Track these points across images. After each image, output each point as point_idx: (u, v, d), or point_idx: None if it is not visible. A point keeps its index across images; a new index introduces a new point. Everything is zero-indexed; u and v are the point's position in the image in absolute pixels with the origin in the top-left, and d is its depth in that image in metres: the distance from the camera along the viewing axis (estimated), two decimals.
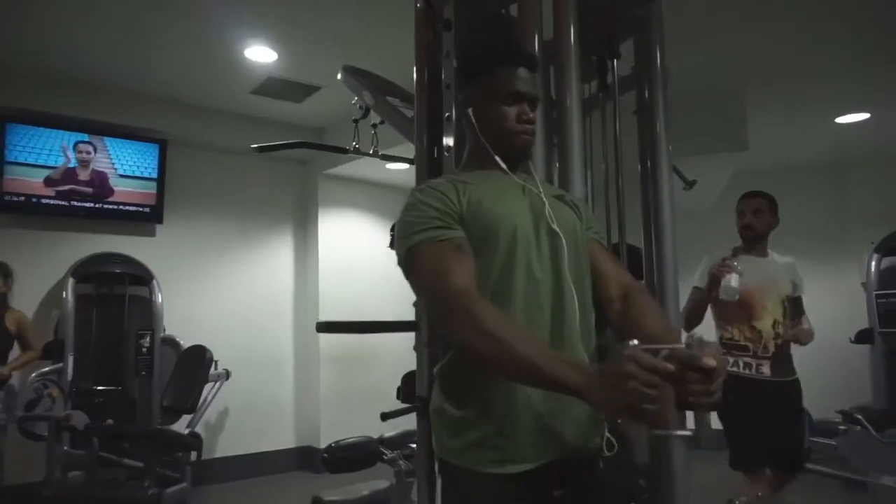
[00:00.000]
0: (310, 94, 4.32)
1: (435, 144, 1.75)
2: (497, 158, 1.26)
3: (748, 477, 2.75)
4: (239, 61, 3.76)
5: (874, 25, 3.14)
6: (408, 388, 1.82)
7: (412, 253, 1.15)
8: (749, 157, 4.00)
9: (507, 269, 1.15)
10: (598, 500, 1.21)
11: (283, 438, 4.99)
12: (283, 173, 5.15)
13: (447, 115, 1.67)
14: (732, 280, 2.65)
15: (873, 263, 4.72)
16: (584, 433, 1.15)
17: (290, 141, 2.80)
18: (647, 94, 2.05)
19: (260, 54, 3.67)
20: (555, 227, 1.20)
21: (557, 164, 1.71)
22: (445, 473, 1.17)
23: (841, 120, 4.33)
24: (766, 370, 2.71)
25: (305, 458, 4.98)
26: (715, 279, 2.66)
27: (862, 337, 4.67)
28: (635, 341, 0.93)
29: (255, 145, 2.70)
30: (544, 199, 1.23)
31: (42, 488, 3.48)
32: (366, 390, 4.68)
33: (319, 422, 4.94)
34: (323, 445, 4.97)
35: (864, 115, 4.24)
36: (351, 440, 2.48)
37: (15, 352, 3.83)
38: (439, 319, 1.12)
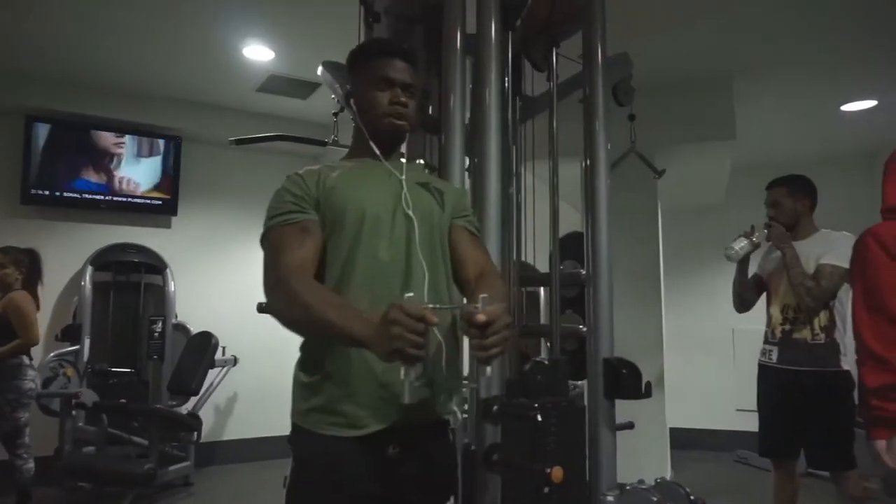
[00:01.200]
0: (314, 91, 4.46)
1: None
2: (371, 144, 1.36)
3: (773, 465, 2.73)
4: (239, 60, 3.93)
5: (874, 5, 3.01)
6: None
7: (265, 235, 1.28)
8: (748, 148, 3.92)
9: (352, 250, 1.25)
10: (445, 467, 1.27)
11: (287, 424, 5.15)
12: (295, 167, 5.26)
13: None
14: (739, 243, 2.69)
15: None
16: (429, 402, 1.22)
17: (266, 134, 2.91)
18: (588, 83, 2.08)
19: (258, 53, 3.83)
20: (409, 211, 1.28)
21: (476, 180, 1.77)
22: (294, 435, 1.26)
23: (847, 108, 4.15)
24: (774, 356, 2.65)
25: None
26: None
27: None
28: (412, 294, 1.02)
29: (232, 138, 2.83)
30: (404, 184, 1.32)
31: (54, 461, 3.74)
32: None
33: None
34: None
35: (872, 102, 4.05)
36: None
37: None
38: (265, 292, 1.22)
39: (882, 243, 1.68)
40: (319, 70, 2.79)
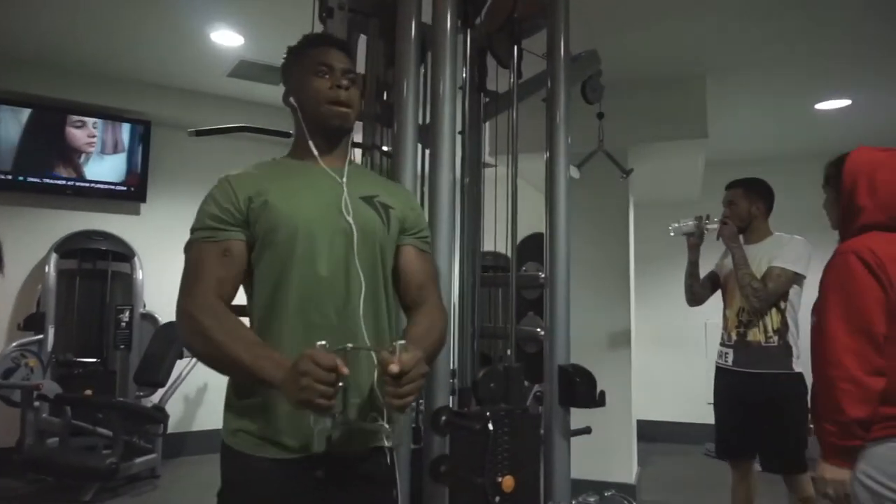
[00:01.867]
0: None
1: None
2: (310, 143, 1.29)
3: (730, 465, 2.76)
4: (208, 45, 3.83)
5: (850, 6, 2.98)
6: None
7: (186, 248, 1.22)
8: (720, 144, 3.90)
9: (284, 271, 1.18)
10: (379, 485, 1.23)
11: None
12: (269, 155, 5.18)
13: None
14: (684, 222, 2.75)
15: None
16: (358, 435, 1.18)
17: (228, 125, 2.83)
18: (550, 81, 2.03)
19: (226, 38, 3.73)
20: (349, 218, 1.22)
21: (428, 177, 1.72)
22: (223, 455, 1.22)
23: (821, 106, 4.15)
24: (730, 359, 2.66)
25: None
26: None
27: None
28: (324, 342, 1.00)
29: (192, 130, 2.75)
30: (345, 190, 1.25)
31: (15, 452, 3.68)
32: None
33: None
34: None
35: (846, 102, 4.06)
36: None
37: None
38: (177, 321, 1.17)
39: (865, 261, 1.54)
40: (283, 59, 2.73)
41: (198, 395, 4.85)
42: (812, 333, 1.70)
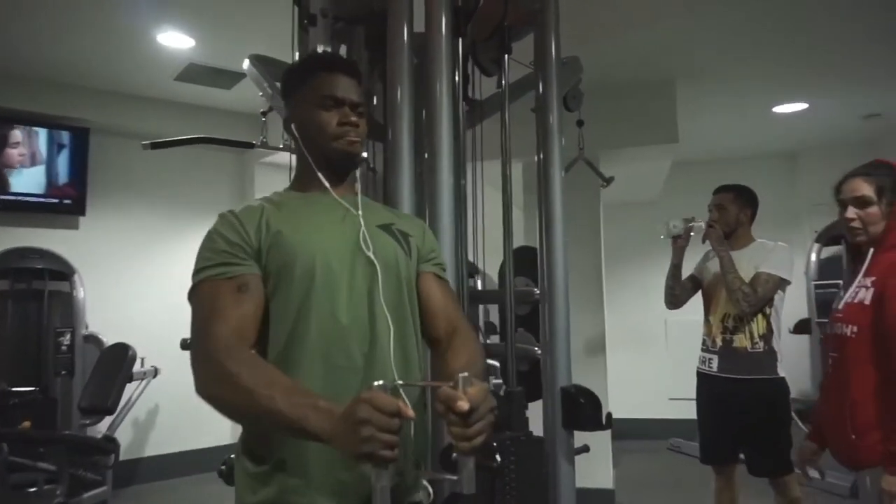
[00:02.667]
0: (239, 81, 4.14)
1: None
2: (319, 175, 1.18)
3: (714, 470, 2.75)
4: (154, 47, 3.58)
5: (810, 15, 3.05)
6: None
7: (193, 290, 1.07)
8: (687, 146, 3.94)
9: (303, 309, 1.05)
10: None
11: (219, 434, 4.84)
12: (217, 162, 4.96)
13: None
14: (674, 223, 2.67)
15: (813, 253, 4.71)
16: (397, 486, 1.05)
17: (186, 137, 2.63)
18: (541, 90, 1.95)
19: (175, 40, 3.49)
20: (370, 254, 1.10)
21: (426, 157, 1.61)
22: None
23: (779, 110, 4.28)
24: (714, 365, 2.65)
25: None
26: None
27: (800, 327, 4.68)
28: (381, 382, 0.86)
29: (146, 142, 2.53)
30: (361, 222, 1.14)
31: None
32: None
33: None
34: None
35: (803, 105, 4.19)
36: None
37: None
38: (193, 366, 1.01)
39: None
40: (246, 64, 2.53)
41: (149, 417, 4.56)
42: (862, 342, 1.69)
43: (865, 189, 1.74)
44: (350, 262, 1.10)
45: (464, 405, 0.85)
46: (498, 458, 1.55)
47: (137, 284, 4.56)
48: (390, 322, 1.08)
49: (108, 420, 3.94)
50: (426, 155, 1.61)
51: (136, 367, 3.98)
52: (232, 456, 2.26)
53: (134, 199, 4.62)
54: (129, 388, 3.96)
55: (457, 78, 1.89)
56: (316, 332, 1.04)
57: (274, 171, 5.02)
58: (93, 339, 4.16)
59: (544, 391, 1.85)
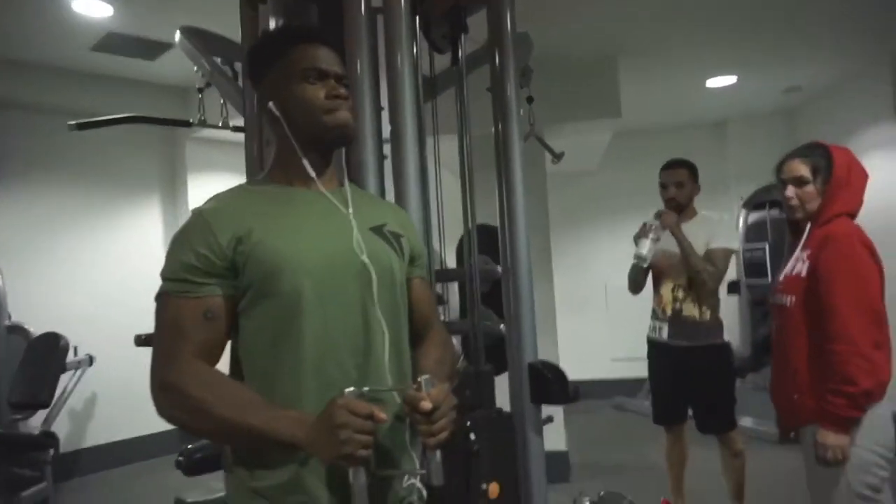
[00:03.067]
0: (163, 51, 3.90)
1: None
2: (305, 162, 1.08)
3: (665, 430, 2.90)
4: (69, 15, 3.30)
5: None
6: None
7: (159, 297, 1.02)
8: (627, 118, 4.03)
9: (293, 322, 0.99)
10: None
11: (160, 420, 4.68)
12: (145, 137, 4.67)
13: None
14: (643, 246, 2.66)
15: (741, 218, 4.96)
16: (388, 491, 1.05)
17: (116, 116, 2.45)
18: (498, 66, 1.93)
19: (92, 8, 3.24)
20: (363, 257, 1.05)
21: (390, 150, 1.58)
22: None
23: (711, 83, 4.44)
24: (664, 333, 2.75)
25: (186, 439, 4.72)
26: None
27: (732, 288, 4.94)
28: (352, 389, 0.94)
29: (73, 122, 2.35)
30: (354, 226, 1.07)
31: None
32: None
33: None
34: None
35: (732, 79, 4.37)
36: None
37: None
38: (153, 393, 0.98)
39: (866, 245, 1.73)
40: (177, 37, 2.38)
41: (86, 407, 4.36)
42: (797, 312, 1.81)
43: (803, 170, 1.85)
44: (342, 268, 1.03)
45: (426, 405, 0.93)
46: (472, 437, 1.58)
47: (63, 270, 4.29)
48: (385, 329, 1.05)
49: (41, 414, 3.75)
50: (391, 132, 1.56)
51: (70, 357, 3.78)
52: (189, 446, 2.22)
53: (53, 178, 4.31)
54: (64, 379, 3.77)
55: (415, 53, 1.85)
56: (308, 347, 0.99)
57: (206, 147, 4.81)
58: (18, 330, 3.89)
59: (510, 367, 1.87)
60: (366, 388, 0.97)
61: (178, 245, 1.01)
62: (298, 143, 1.08)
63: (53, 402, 3.66)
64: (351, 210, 1.09)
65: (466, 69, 2.06)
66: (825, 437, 1.68)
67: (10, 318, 3.90)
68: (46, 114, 4.20)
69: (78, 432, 4.32)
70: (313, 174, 1.09)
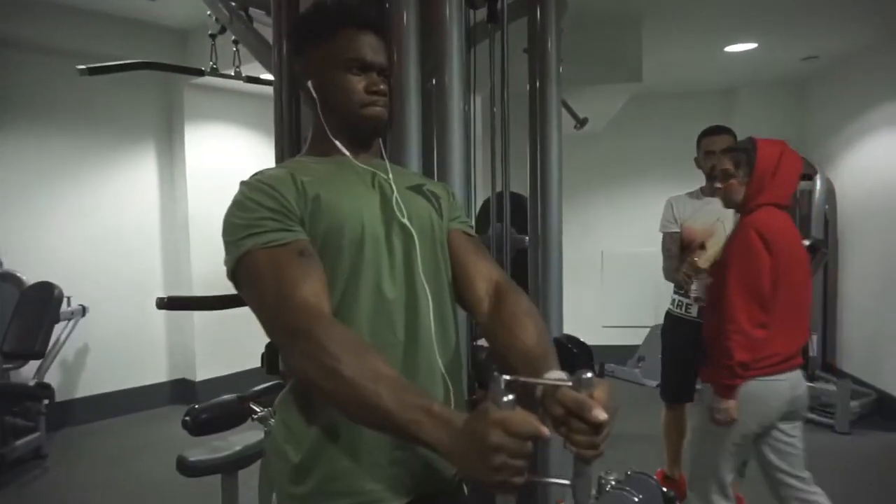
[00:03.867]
0: None
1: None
2: (337, 143, 1.07)
3: (667, 406, 2.91)
4: None
5: None
6: (273, 357, 1.60)
7: (244, 262, 0.93)
8: (643, 83, 3.93)
9: (352, 281, 0.97)
10: None
11: (154, 372, 4.66)
12: (143, 83, 4.46)
13: None
14: (697, 289, 2.61)
15: None
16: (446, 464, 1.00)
17: (129, 62, 2.32)
18: (538, 26, 1.83)
19: None
20: (405, 220, 1.02)
21: (435, 107, 1.48)
22: None
23: (730, 49, 4.34)
24: (693, 311, 2.71)
25: (180, 391, 4.70)
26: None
27: None
28: (506, 377, 0.73)
29: (82, 66, 2.23)
30: (394, 187, 1.05)
31: None
32: (243, 316, 4.37)
33: (194, 352, 4.66)
34: (199, 377, 4.74)
35: (752, 45, 4.26)
36: (216, 400, 2.24)
37: None
38: (280, 343, 0.91)
39: (762, 236, 1.92)
40: None
41: (78, 357, 4.28)
42: (710, 290, 2.15)
43: (726, 163, 2.06)
44: (387, 231, 1.01)
45: (600, 415, 0.74)
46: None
47: (57, 217, 4.15)
48: (429, 293, 1.01)
49: (32, 364, 3.69)
50: (433, 80, 1.45)
51: (63, 307, 3.70)
52: (195, 406, 2.16)
53: (45, 123, 4.12)
54: (57, 329, 3.69)
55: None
56: (364, 305, 0.96)
57: (205, 94, 4.62)
58: (10, 278, 3.79)
59: None
60: (507, 377, 0.76)
61: (242, 209, 0.96)
62: (331, 126, 1.09)
63: (46, 352, 3.59)
64: (391, 176, 1.08)
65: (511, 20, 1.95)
66: (716, 402, 1.95)
67: (1, 265, 3.80)
68: (44, 55, 3.98)
69: (70, 383, 4.25)
70: (347, 153, 1.08)
